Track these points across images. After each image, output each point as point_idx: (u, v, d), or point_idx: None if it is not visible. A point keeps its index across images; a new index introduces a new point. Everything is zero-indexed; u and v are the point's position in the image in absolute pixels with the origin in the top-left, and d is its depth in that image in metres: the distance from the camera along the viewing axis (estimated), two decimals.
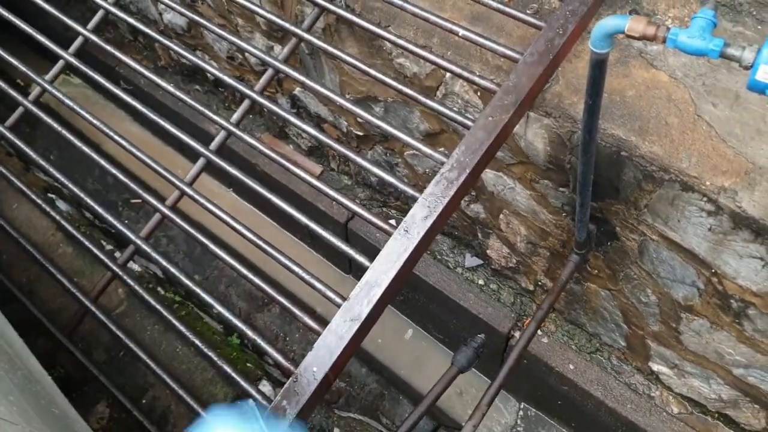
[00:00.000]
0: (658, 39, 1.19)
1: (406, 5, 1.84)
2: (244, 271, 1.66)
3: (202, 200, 1.84)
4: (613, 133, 1.69)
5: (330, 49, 1.90)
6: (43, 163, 2.02)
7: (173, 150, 3.63)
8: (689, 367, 2.18)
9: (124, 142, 1.94)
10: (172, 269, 1.78)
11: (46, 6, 2.20)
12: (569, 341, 2.51)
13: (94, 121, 2.00)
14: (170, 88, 2.00)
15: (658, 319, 2.13)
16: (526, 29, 1.89)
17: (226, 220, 1.76)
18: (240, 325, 1.61)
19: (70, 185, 1.98)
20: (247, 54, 2.92)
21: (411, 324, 2.98)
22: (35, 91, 2.13)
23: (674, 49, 1.19)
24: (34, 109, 2.07)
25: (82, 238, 1.95)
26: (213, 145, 1.94)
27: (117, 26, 3.67)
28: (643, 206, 1.80)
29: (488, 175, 2.25)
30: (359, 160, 1.75)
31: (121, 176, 1.95)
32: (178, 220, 1.86)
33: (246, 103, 1.95)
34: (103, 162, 1.94)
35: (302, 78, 1.88)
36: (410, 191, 1.66)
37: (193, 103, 1.98)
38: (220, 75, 1.98)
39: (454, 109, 1.82)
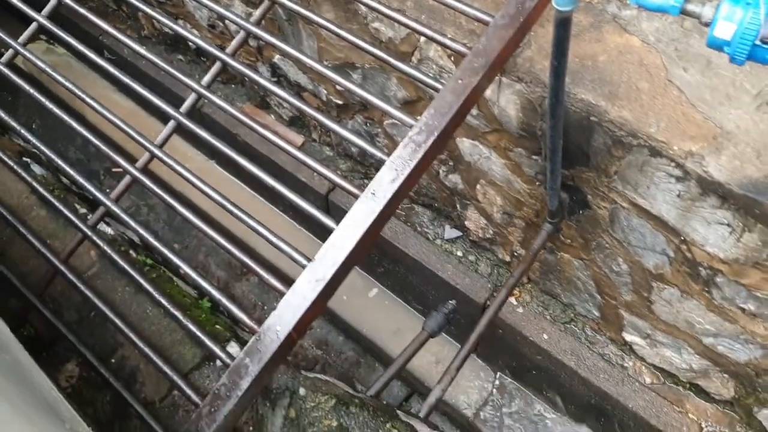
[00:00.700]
0: None
1: None
2: (207, 229, 1.66)
3: (171, 162, 1.83)
4: (583, 98, 1.69)
5: (304, 12, 1.88)
6: (14, 124, 2.01)
7: (157, 120, 3.61)
8: (661, 337, 2.19)
9: (95, 104, 1.92)
10: (141, 230, 1.78)
11: None
12: (544, 311, 2.53)
13: (70, 86, 1.98)
14: (147, 53, 1.98)
15: (630, 288, 2.13)
16: None
17: (193, 182, 1.75)
18: (204, 284, 1.61)
19: (43, 147, 1.96)
20: (226, 21, 2.90)
21: (390, 295, 2.99)
22: (7, 54, 2.11)
23: (637, 6, 1.18)
24: (6, 71, 2.05)
25: (54, 201, 1.94)
26: (183, 107, 1.93)
27: None
28: (613, 173, 1.80)
29: (465, 144, 2.24)
30: (328, 122, 1.74)
31: (94, 140, 1.94)
32: (148, 182, 1.85)
33: (217, 65, 1.93)
34: (80, 128, 1.93)
35: (275, 41, 1.86)
36: (378, 154, 1.65)
37: (166, 66, 1.96)
38: (198, 40, 1.96)
39: (429, 74, 1.81)
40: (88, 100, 1.95)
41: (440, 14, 1.92)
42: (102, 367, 1.80)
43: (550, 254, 2.34)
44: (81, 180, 1.90)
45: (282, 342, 1.56)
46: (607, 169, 1.81)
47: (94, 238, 1.87)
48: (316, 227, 3.25)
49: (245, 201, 3.29)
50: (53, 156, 1.96)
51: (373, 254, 2.91)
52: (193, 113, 1.93)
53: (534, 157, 2.01)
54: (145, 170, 1.91)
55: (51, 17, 2.13)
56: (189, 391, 1.61)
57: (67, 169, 1.92)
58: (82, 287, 1.82)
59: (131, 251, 2.18)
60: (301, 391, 1.75)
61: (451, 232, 2.76)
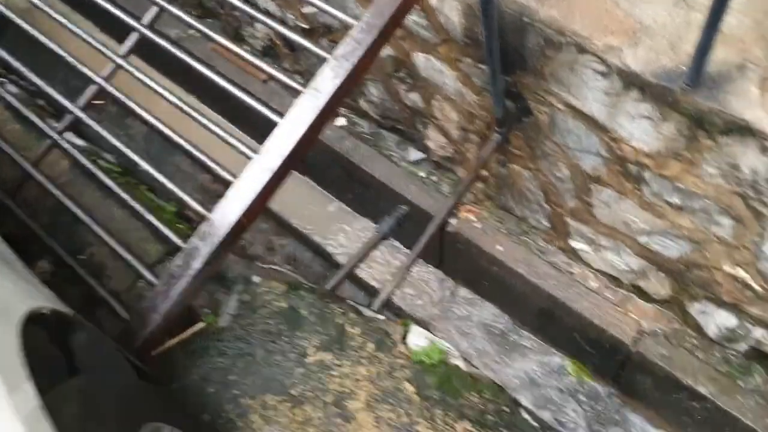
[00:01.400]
0: None
1: None
2: (168, 132, 1.77)
3: (135, 71, 1.95)
4: None
5: None
6: None
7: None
8: (603, 240, 2.32)
9: (58, 17, 2.03)
10: (110, 137, 1.91)
11: None
12: (500, 226, 2.66)
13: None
14: None
15: (573, 194, 2.26)
16: None
17: (156, 89, 1.87)
18: (154, 172, 1.74)
19: (10, 59, 2.07)
20: None
21: (359, 217, 3.11)
22: None
23: None
24: None
25: (26, 112, 2.06)
26: (145, 19, 2.03)
27: None
28: (548, 75, 1.91)
29: (420, 58, 2.34)
30: (291, 34, 1.84)
31: (60, 51, 2.04)
32: (114, 91, 1.97)
33: None
34: (58, 50, 2.02)
35: None
36: (321, 52, 1.76)
37: None
38: None
39: None
40: (52, 13, 2.05)
41: None
42: (74, 262, 1.94)
43: (503, 167, 2.46)
44: (48, 88, 2.01)
45: (232, 227, 1.70)
46: (542, 71, 1.91)
47: (64, 144, 1.99)
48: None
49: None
50: (24, 69, 2.06)
51: (343, 177, 3.04)
52: (155, 26, 2.03)
53: (480, 65, 2.11)
54: (110, 80, 2.02)
55: None
56: (150, 276, 1.75)
57: (36, 80, 2.03)
58: (52, 189, 1.94)
59: (100, 161, 2.30)
60: (255, 278, 1.90)
61: (415, 155, 2.88)
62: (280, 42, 3.07)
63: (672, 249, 2.10)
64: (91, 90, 2.03)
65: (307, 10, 2.70)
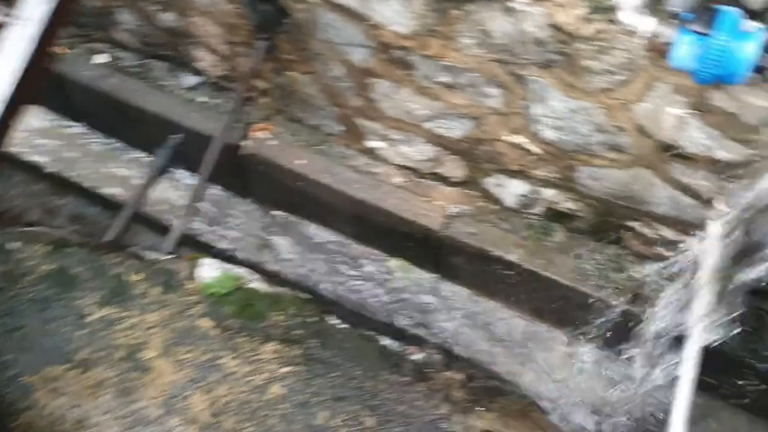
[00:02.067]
0: None
1: None
2: None
3: None
4: None
5: None
6: None
7: None
8: (395, 134, 2.28)
9: None
10: None
11: None
12: (296, 139, 2.53)
13: None
14: None
15: (354, 92, 2.17)
16: None
17: None
18: None
19: None
20: None
21: (144, 157, 2.83)
22: None
23: None
24: None
25: None
26: None
27: None
28: None
29: None
30: None
31: None
32: None
33: None
34: None
35: None
36: None
37: None
38: None
39: None
40: None
41: None
42: None
43: (279, 76, 2.30)
44: None
45: None
46: None
47: None
48: None
49: None
50: None
51: (118, 118, 2.73)
52: None
53: None
54: None
55: None
56: None
57: None
58: None
59: None
60: (13, 244, 1.66)
61: (190, 80, 2.63)
62: None
63: (456, 129, 2.09)
64: None
65: None
